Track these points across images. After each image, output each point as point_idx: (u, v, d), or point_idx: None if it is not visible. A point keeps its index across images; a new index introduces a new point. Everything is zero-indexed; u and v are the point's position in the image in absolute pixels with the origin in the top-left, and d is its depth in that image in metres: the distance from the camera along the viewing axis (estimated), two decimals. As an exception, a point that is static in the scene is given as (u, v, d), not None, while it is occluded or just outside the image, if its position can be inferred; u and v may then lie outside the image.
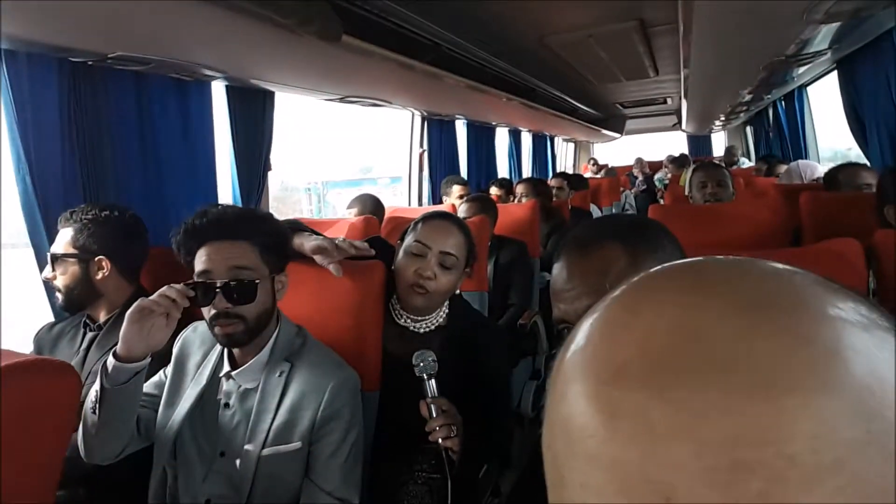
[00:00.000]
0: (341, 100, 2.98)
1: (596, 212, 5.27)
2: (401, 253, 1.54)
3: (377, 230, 2.53)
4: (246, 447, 1.21)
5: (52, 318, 1.73)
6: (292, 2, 1.66)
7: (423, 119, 4.20)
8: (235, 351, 1.27)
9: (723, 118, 6.64)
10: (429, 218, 1.58)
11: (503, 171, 6.08)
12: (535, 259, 3.02)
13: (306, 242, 1.43)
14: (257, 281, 1.21)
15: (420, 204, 4.24)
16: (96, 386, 1.15)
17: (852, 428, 0.22)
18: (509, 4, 2.51)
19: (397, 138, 4.30)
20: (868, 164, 3.05)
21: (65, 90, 1.75)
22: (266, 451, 1.20)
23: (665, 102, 6.69)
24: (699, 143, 9.80)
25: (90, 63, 1.77)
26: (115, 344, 1.48)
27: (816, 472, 0.21)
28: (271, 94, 2.59)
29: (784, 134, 5.53)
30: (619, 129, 8.65)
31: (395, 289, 1.54)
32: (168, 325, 1.17)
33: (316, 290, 1.47)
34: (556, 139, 8.65)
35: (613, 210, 6.19)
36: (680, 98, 5.30)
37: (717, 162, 4.77)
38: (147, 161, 2.03)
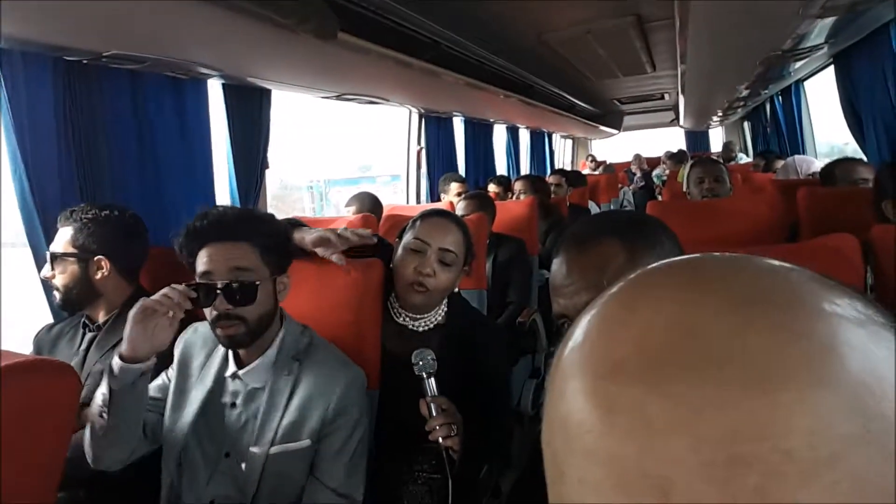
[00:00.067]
0: (338, 97, 2.98)
1: (594, 208, 5.27)
2: (399, 250, 1.54)
3: (375, 228, 2.53)
4: (253, 446, 1.21)
5: (50, 318, 1.73)
6: (288, 0, 1.66)
7: (421, 116, 4.20)
8: (240, 351, 1.27)
9: (720, 114, 6.64)
10: (428, 215, 1.58)
11: (501, 168, 6.08)
12: (533, 256, 3.02)
13: (307, 236, 1.43)
14: (258, 282, 1.22)
15: (418, 202, 4.24)
16: (103, 389, 1.15)
17: (849, 423, 0.22)
18: (507, 2, 2.51)
19: (396, 136, 4.31)
20: (865, 158, 3.05)
21: (60, 89, 1.74)
22: (274, 450, 1.21)
23: (662, 98, 6.70)
24: (697, 139, 9.81)
25: (85, 62, 1.76)
26: (115, 345, 1.50)
27: (813, 466, 0.21)
28: (268, 92, 2.59)
29: (781, 129, 5.53)
30: (617, 125, 8.65)
31: (394, 287, 1.54)
32: (171, 325, 1.17)
33: (314, 289, 1.47)
34: (553, 136, 8.65)
35: (612, 206, 6.19)
36: (677, 94, 5.31)
37: (714, 158, 4.79)
38: (144, 160, 2.03)
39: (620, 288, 0.30)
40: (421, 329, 1.53)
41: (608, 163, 9.33)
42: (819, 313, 0.25)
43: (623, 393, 0.25)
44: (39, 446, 0.77)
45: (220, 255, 1.20)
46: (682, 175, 3.87)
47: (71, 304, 1.56)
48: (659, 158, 8.03)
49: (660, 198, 5.47)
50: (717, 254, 0.31)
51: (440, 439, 1.23)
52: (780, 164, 4.41)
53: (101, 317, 1.57)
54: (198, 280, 1.21)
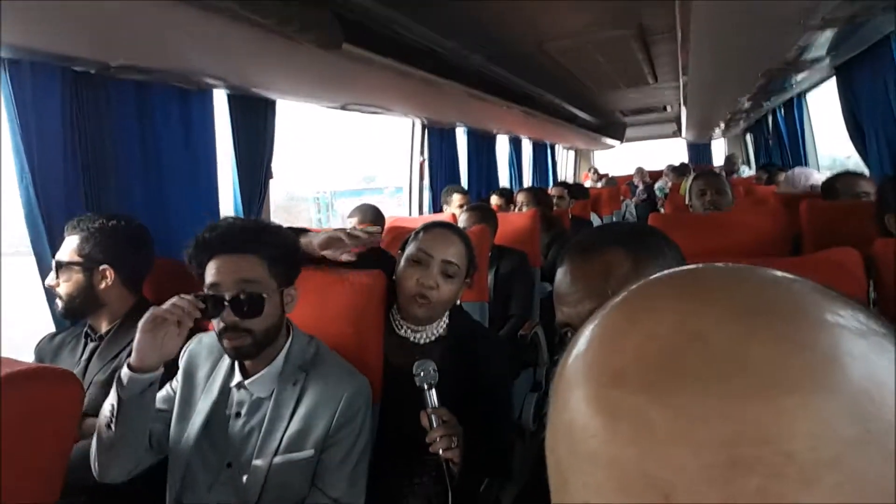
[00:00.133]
0: (342, 107, 3.00)
1: (596, 221, 5.27)
2: (402, 262, 1.53)
3: (375, 243, 2.53)
4: (256, 456, 1.21)
5: (53, 327, 1.73)
6: (293, 11, 1.67)
7: (424, 127, 4.22)
8: (246, 361, 1.28)
9: (722, 126, 6.66)
10: (430, 227, 1.58)
11: (504, 179, 6.09)
12: (535, 269, 3.01)
13: (314, 239, 1.43)
14: (265, 295, 1.22)
15: (420, 213, 4.24)
16: (111, 399, 1.15)
17: (851, 427, 0.22)
18: (509, 12, 2.53)
19: (400, 148, 4.32)
20: (867, 171, 3.06)
21: (67, 99, 1.75)
22: (278, 459, 1.21)
23: (665, 110, 6.72)
24: (699, 151, 9.84)
25: (93, 72, 1.78)
26: (116, 355, 1.50)
27: (815, 468, 0.21)
28: (273, 102, 2.60)
29: (784, 142, 5.54)
30: (619, 136, 8.68)
31: (396, 299, 1.54)
32: (180, 335, 1.17)
33: (317, 300, 1.47)
34: (556, 147, 8.67)
35: (614, 219, 6.18)
36: (679, 105, 5.33)
37: (716, 170, 4.79)
38: (149, 170, 2.04)
39: (622, 298, 0.31)
40: (422, 341, 1.53)
41: (610, 176, 9.35)
42: (822, 324, 0.25)
43: (625, 399, 0.25)
44: (41, 453, 0.77)
45: (228, 267, 1.21)
46: (684, 188, 3.87)
47: (73, 313, 1.56)
48: (661, 172, 8.05)
49: (662, 210, 5.46)
50: (720, 264, 0.31)
51: (441, 451, 1.23)
52: (782, 177, 4.42)
53: (104, 327, 1.57)
54: (206, 291, 1.22)
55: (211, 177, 2.30)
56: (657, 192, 7.46)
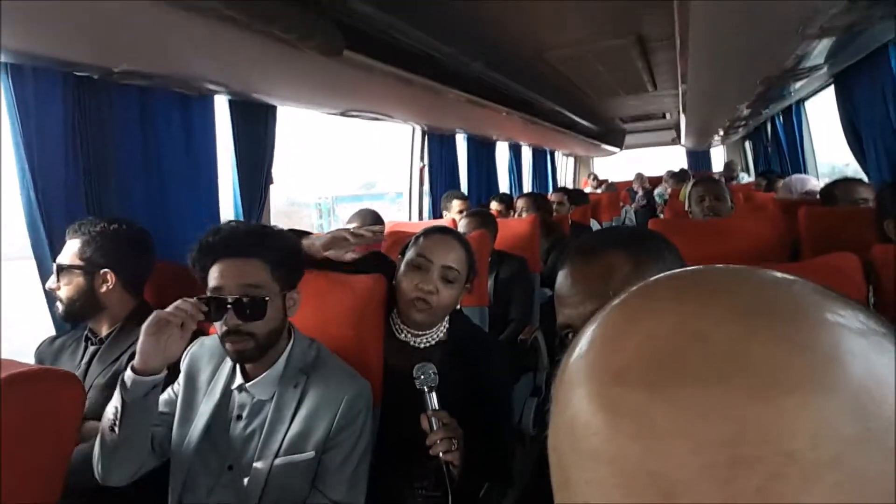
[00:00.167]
0: (343, 114, 3.00)
1: (596, 226, 5.26)
2: (402, 267, 1.53)
3: (377, 244, 2.54)
4: (257, 458, 1.22)
5: (53, 330, 1.73)
6: (295, 18, 1.68)
7: (424, 133, 4.23)
8: (248, 364, 1.28)
9: (721, 133, 6.68)
10: (430, 232, 1.58)
11: (504, 185, 6.09)
12: (535, 274, 3.01)
13: (317, 241, 1.43)
14: (267, 298, 1.22)
15: (420, 218, 4.25)
16: (115, 402, 1.15)
17: (851, 426, 0.22)
18: (509, 20, 2.54)
19: (400, 154, 4.32)
20: (866, 178, 3.06)
21: (69, 104, 1.76)
22: (279, 461, 1.21)
23: (664, 117, 6.75)
24: (699, 158, 9.84)
25: (95, 77, 1.79)
26: (117, 358, 1.50)
27: (815, 468, 0.21)
28: (273, 108, 2.61)
29: (782, 149, 5.55)
30: (619, 143, 8.70)
31: (396, 303, 1.54)
32: (183, 338, 1.18)
33: (317, 304, 1.47)
34: (556, 154, 8.69)
35: (613, 225, 6.19)
36: (678, 113, 5.35)
37: (715, 177, 4.80)
38: (150, 174, 2.04)
39: (623, 299, 0.31)
40: (423, 345, 1.53)
41: (610, 181, 9.36)
42: (822, 324, 0.25)
43: (627, 397, 0.25)
44: (42, 454, 0.77)
45: (232, 270, 1.21)
46: (683, 194, 3.88)
47: (73, 316, 1.56)
48: (661, 178, 8.05)
49: (661, 216, 5.47)
50: (720, 265, 0.31)
51: (441, 453, 1.22)
52: (781, 183, 4.43)
53: (104, 330, 1.58)
54: (209, 295, 1.22)
55: (211, 182, 2.31)
56: (657, 199, 7.46)
